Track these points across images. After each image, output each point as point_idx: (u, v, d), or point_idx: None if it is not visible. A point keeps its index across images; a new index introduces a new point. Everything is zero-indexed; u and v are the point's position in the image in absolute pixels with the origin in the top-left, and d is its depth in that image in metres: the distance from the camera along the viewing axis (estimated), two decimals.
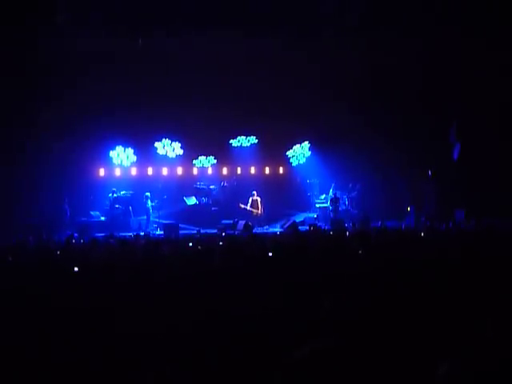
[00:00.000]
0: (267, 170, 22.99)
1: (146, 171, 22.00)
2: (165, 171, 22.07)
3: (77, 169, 19.77)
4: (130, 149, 21.44)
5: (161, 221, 19.73)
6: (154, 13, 17.39)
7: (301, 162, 22.83)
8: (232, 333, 3.92)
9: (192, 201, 21.18)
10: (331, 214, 20.14)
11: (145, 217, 19.85)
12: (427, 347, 3.30)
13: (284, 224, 19.13)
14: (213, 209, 21.05)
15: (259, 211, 20.32)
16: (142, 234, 14.98)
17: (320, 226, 17.17)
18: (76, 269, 6.60)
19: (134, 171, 21.83)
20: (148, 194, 20.00)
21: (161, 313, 4.40)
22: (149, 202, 19.84)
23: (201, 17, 17.64)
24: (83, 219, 19.14)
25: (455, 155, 20.51)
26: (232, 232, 16.11)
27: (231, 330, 3.95)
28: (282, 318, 4.12)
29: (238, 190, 21.69)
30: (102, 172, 21.49)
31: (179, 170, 22.29)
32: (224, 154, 22.32)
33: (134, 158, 21.60)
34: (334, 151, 20.97)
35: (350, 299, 4.31)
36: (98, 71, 18.89)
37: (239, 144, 22.45)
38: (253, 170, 22.84)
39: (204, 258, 7.31)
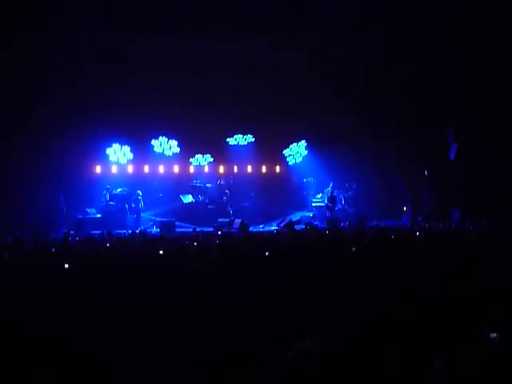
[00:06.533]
0: (264, 169, 23.00)
1: (143, 169, 21.97)
2: (161, 169, 22.05)
3: (73, 166, 19.73)
4: (126, 146, 21.42)
5: (157, 219, 19.71)
6: (152, 13, 17.39)
7: (297, 160, 22.86)
8: (226, 331, 3.93)
9: (188, 199, 21.17)
10: (328, 213, 20.14)
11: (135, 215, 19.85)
12: (422, 346, 3.31)
13: (280, 223, 19.14)
14: (209, 207, 21.05)
15: None
16: (138, 231, 14.96)
17: (316, 225, 17.17)
18: (66, 265, 6.59)
19: (130, 169, 21.79)
20: (139, 192, 19.98)
21: (155, 310, 4.41)
22: (141, 200, 19.85)
23: (198, 16, 17.64)
24: (79, 216, 19.09)
25: (452, 155, 20.56)
26: (228, 230, 16.09)
27: (226, 329, 3.96)
28: (277, 316, 4.13)
29: (235, 188, 21.71)
30: (98, 169, 21.44)
31: (176, 168, 22.28)
32: (221, 152, 22.33)
33: (131, 156, 21.58)
34: (331, 150, 21.01)
35: (343, 299, 4.32)
36: (96, 69, 18.86)
37: (236, 142, 22.46)
38: (249, 169, 22.85)
39: (200, 257, 7.31)
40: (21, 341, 3.87)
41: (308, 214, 21.06)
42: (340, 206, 20.98)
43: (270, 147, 22.21)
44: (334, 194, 20.41)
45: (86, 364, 3.65)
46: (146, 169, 22.01)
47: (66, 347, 3.77)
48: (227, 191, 20.95)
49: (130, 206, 19.93)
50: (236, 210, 20.26)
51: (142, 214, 19.88)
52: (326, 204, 20.38)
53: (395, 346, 3.42)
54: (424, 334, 3.55)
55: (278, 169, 23.18)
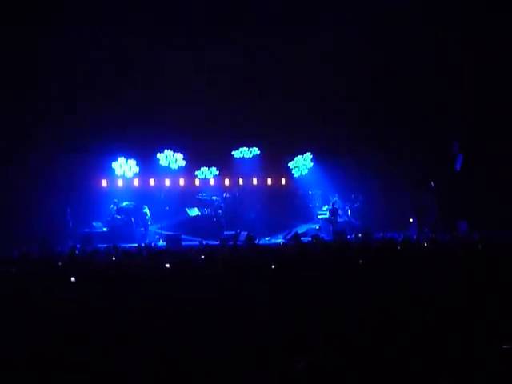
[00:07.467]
0: (269, 181, 23.00)
1: (149, 182, 22.01)
2: (167, 182, 22.07)
3: (79, 180, 19.78)
4: (132, 160, 21.47)
5: (163, 232, 19.71)
6: (156, 24, 17.54)
7: (303, 173, 22.87)
8: (233, 342, 3.92)
9: (194, 212, 21.18)
10: (330, 226, 20.08)
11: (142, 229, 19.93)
12: (427, 361, 3.29)
13: (286, 235, 19.11)
14: (215, 220, 21.03)
15: None
16: (143, 245, 14.96)
17: (322, 238, 17.12)
18: (73, 279, 6.60)
19: (136, 182, 21.82)
20: (146, 206, 20.11)
21: (160, 323, 4.40)
22: (148, 214, 19.97)
23: (202, 28, 17.78)
24: (86, 230, 19.13)
25: (458, 166, 20.51)
26: (234, 243, 16.05)
27: (232, 340, 3.95)
28: (283, 328, 4.12)
29: (241, 201, 21.72)
30: (104, 183, 21.48)
31: (181, 181, 22.30)
32: (226, 165, 22.36)
33: (137, 169, 21.63)
34: (337, 162, 21.00)
35: (350, 309, 4.31)
36: (101, 82, 19.01)
37: (241, 155, 22.50)
38: (255, 181, 22.85)
39: (206, 270, 7.30)
40: (28, 355, 3.87)
41: (314, 226, 21.02)
42: (346, 218, 20.92)
43: (275, 160, 22.26)
44: (336, 206, 20.34)
45: (92, 378, 3.65)
46: (152, 182, 22.03)
47: (73, 360, 3.77)
48: (222, 205, 21.00)
49: (136, 219, 19.99)
50: (242, 223, 20.21)
51: (149, 228, 19.96)
52: (329, 217, 20.35)
53: (400, 360, 3.40)
54: (429, 351, 3.53)
55: (283, 181, 23.17)
